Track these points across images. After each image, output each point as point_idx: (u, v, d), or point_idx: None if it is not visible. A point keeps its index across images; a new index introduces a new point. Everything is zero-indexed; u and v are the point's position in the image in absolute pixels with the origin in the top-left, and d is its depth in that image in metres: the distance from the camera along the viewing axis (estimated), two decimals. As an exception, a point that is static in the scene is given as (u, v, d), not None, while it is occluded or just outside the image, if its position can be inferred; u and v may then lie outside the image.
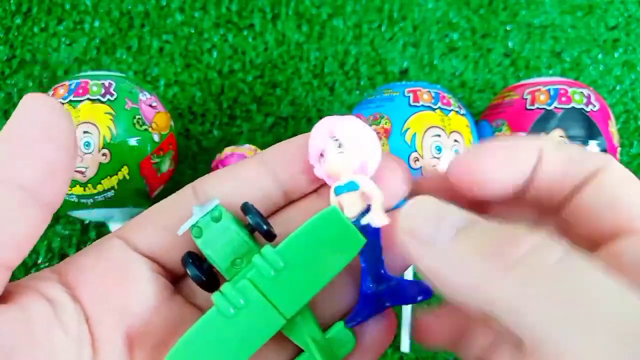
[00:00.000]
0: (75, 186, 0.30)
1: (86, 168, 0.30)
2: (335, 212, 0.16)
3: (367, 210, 0.17)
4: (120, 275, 0.18)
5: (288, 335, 0.18)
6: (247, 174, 0.19)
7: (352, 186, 0.17)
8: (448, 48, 0.42)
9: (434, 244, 0.14)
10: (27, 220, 0.15)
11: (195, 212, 0.17)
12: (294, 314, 0.16)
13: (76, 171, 0.30)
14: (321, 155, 0.18)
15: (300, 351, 0.18)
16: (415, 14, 0.43)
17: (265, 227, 0.17)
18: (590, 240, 0.16)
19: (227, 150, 0.34)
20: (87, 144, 0.30)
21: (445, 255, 0.14)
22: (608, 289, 0.12)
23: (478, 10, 0.43)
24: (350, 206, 0.17)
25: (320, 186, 0.19)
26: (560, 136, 0.31)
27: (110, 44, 0.41)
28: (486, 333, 0.17)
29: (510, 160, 0.16)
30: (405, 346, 0.34)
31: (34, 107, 0.15)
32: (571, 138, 0.31)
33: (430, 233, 0.14)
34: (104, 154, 0.30)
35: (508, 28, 0.43)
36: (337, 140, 0.18)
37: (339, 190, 0.17)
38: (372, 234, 0.17)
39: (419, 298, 0.18)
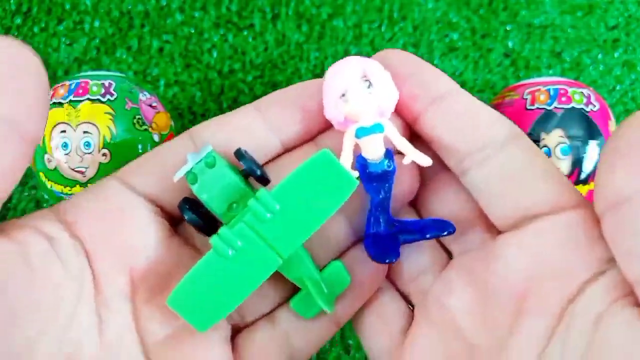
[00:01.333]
0: (75, 186, 0.30)
1: (86, 168, 0.30)
2: (327, 155, 0.17)
3: (388, 152, 0.18)
4: (120, 214, 0.18)
5: (285, 274, 0.18)
6: (243, 122, 0.19)
7: (378, 128, 0.17)
8: (448, 48, 0.42)
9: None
10: (11, 153, 0.15)
11: (189, 159, 0.18)
12: (290, 254, 0.17)
13: (76, 171, 0.30)
14: (342, 95, 0.17)
15: (297, 289, 0.19)
16: (415, 14, 0.43)
17: (258, 171, 0.17)
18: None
19: None
20: (87, 144, 0.30)
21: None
22: None
23: (478, 11, 0.43)
24: (375, 148, 0.17)
25: (317, 134, 0.20)
26: (560, 136, 0.31)
27: (110, 44, 0.41)
28: None
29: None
30: None
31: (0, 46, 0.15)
32: (571, 138, 0.31)
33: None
34: (104, 154, 0.30)
35: (508, 28, 0.43)
36: (367, 80, 0.17)
37: (362, 132, 0.17)
38: (391, 177, 0.18)
39: (445, 233, 0.18)
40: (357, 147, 0.18)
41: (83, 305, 0.17)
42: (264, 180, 0.18)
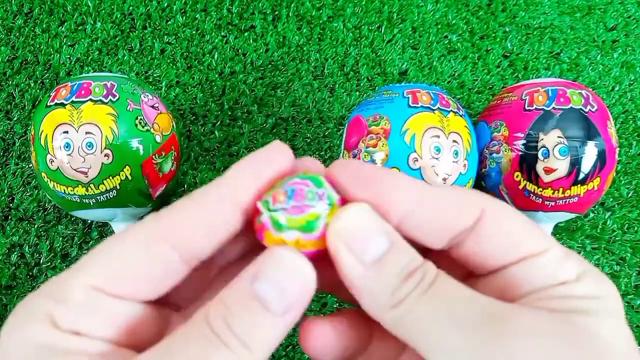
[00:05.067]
0: (77, 186, 0.31)
1: (88, 168, 0.30)
2: None
3: None
4: None
5: None
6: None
7: None
8: (447, 49, 0.43)
9: (360, 262, 0.16)
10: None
11: None
12: None
13: (78, 171, 0.30)
14: None
15: None
16: (415, 16, 0.43)
17: None
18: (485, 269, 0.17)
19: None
20: (90, 145, 0.30)
21: (365, 277, 0.16)
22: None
23: (477, 12, 0.44)
24: None
25: None
26: (559, 137, 0.32)
27: (112, 45, 0.42)
28: (388, 346, 0.18)
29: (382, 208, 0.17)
30: None
31: None
32: (569, 139, 0.31)
33: (360, 250, 0.16)
34: (106, 155, 0.30)
35: (507, 29, 0.43)
36: None
37: None
38: None
39: None
40: None
41: None
42: None
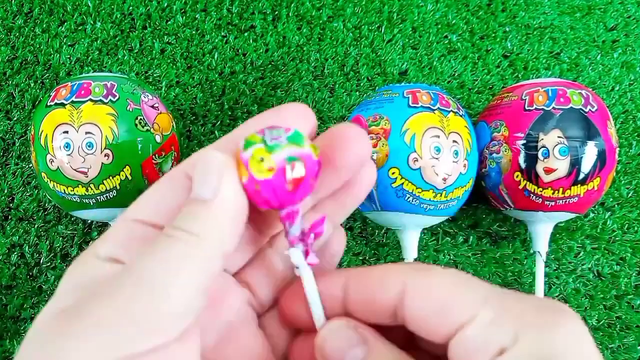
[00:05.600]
0: (77, 186, 0.31)
1: (88, 168, 0.30)
2: None
3: None
4: None
5: None
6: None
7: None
8: (447, 49, 0.43)
9: None
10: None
11: None
12: None
13: (78, 171, 0.30)
14: None
15: None
16: (415, 16, 0.43)
17: None
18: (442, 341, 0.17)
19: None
20: (90, 145, 0.30)
21: None
22: None
23: (477, 12, 0.44)
24: None
25: None
26: (559, 137, 0.32)
27: (112, 45, 0.42)
28: None
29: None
30: None
31: None
32: (570, 139, 0.31)
33: None
34: (106, 155, 0.30)
35: (507, 29, 0.43)
36: None
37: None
38: None
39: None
40: None
41: None
42: None
